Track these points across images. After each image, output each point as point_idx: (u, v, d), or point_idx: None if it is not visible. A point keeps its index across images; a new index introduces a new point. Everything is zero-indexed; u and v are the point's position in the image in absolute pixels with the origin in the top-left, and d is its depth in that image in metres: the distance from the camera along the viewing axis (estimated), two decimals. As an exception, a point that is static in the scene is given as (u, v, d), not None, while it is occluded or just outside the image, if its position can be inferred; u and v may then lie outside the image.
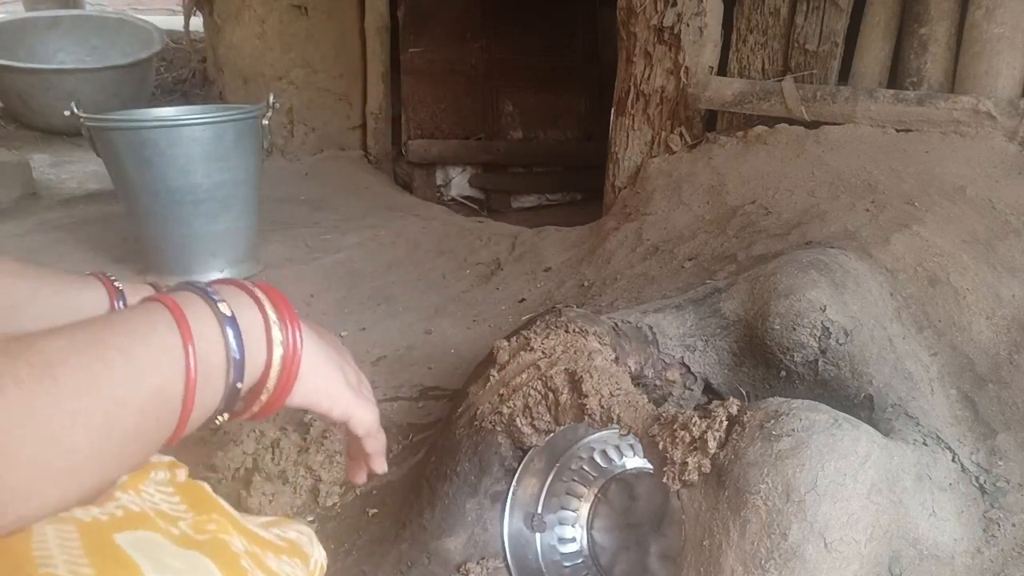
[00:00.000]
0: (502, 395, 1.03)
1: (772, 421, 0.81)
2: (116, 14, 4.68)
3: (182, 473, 0.49)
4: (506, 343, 1.06)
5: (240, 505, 1.19)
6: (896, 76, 1.83)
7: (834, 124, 1.80)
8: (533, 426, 1.02)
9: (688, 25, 2.04)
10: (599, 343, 1.03)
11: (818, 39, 1.89)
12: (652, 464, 0.88)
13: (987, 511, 0.95)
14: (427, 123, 3.65)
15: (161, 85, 4.47)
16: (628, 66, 2.23)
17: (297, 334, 0.53)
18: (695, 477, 0.82)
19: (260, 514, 1.17)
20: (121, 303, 0.75)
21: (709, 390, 1.19)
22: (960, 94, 1.67)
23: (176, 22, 4.67)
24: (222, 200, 2.02)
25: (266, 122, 2.04)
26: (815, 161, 1.75)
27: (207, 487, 0.49)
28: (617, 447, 1.10)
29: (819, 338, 1.09)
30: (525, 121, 3.81)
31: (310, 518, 1.18)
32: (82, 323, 0.44)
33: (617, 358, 1.04)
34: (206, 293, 0.50)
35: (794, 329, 1.10)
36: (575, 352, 1.00)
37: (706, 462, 0.82)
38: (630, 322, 1.13)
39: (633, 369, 1.10)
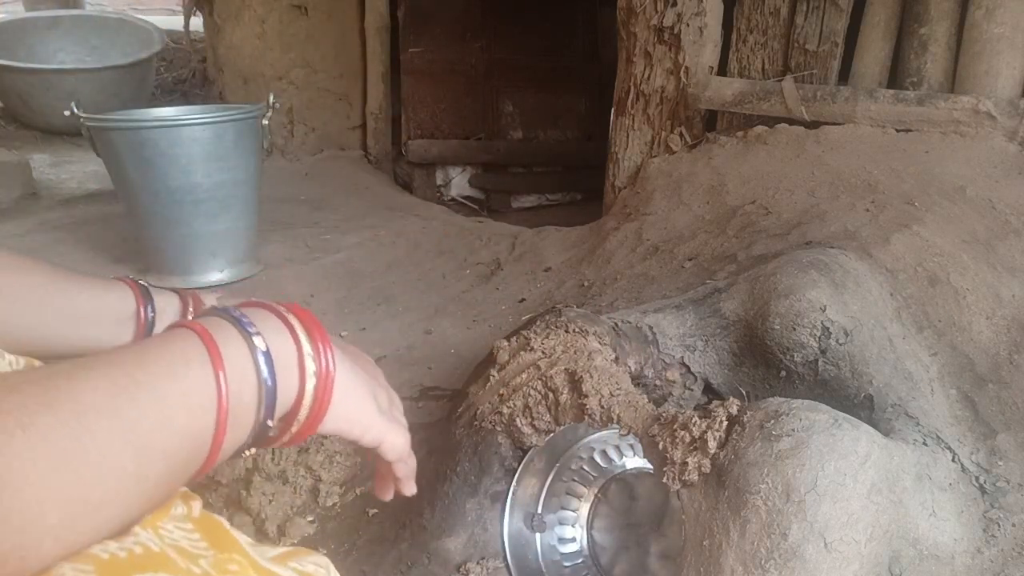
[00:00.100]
0: (502, 395, 1.03)
1: (772, 421, 0.81)
2: (116, 14, 4.68)
3: (196, 505, 0.48)
4: (506, 343, 1.06)
5: (240, 505, 1.19)
6: (896, 76, 1.83)
7: (834, 124, 1.80)
8: (533, 426, 1.02)
9: (688, 25, 2.04)
10: (599, 343, 1.03)
11: (818, 39, 1.89)
12: (652, 464, 0.88)
13: (987, 511, 0.95)
14: (427, 123, 3.65)
15: (161, 85, 4.47)
16: (628, 66, 2.23)
17: (330, 362, 0.51)
18: (695, 477, 0.82)
19: (260, 514, 1.17)
20: (149, 307, 0.76)
21: (709, 390, 1.19)
22: (960, 94, 1.67)
23: (176, 22, 4.67)
24: (222, 200, 2.02)
25: (266, 122, 2.04)
26: (815, 161, 1.75)
27: (224, 522, 0.48)
28: (617, 447, 1.10)
29: (819, 338, 1.09)
30: (525, 121, 3.81)
31: (310, 518, 1.18)
32: (117, 357, 0.42)
33: (617, 358, 1.04)
34: (240, 324, 0.48)
35: (794, 329, 1.10)
36: (575, 352, 1.00)
37: (706, 462, 0.81)
38: (630, 322, 1.13)
39: (633, 369, 1.10)
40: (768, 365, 1.14)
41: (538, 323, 1.06)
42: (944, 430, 1.03)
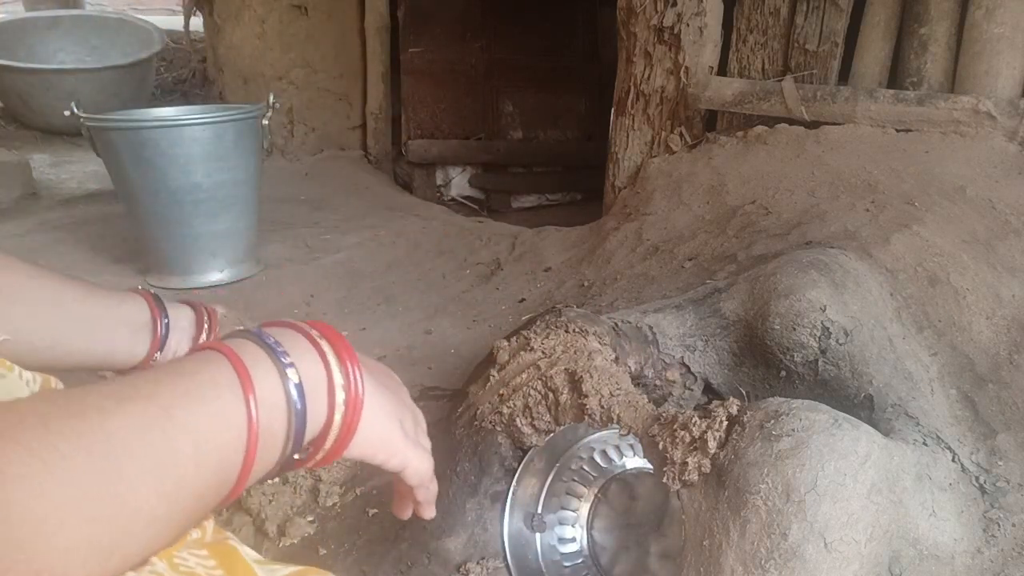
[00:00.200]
0: (502, 395, 1.03)
1: (772, 421, 0.81)
2: (116, 14, 4.68)
3: (209, 526, 0.48)
4: (506, 343, 1.06)
5: (240, 505, 1.19)
6: (896, 76, 1.83)
7: (834, 124, 1.80)
8: (533, 426, 1.02)
9: (688, 25, 2.04)
10: (599, 343, 1.03)
11: (818, 39, 1.89)
12: (652, 464, 0.88)
13: (987, 511, 0.95)
14: (427, 123, 3.66)
15: (161, 85, 4.47)
16: (628, 66, 2.23)
17: (359, 387, 0.50)
18: (695, 477, 0.82)
19: (260, 514, 1.17)
20: (164, 319, 0.76)
21: (709, 390, 1.19)
22: (960, 94, 1.67)
23: (176, 22, 4.67)
24: (222, 200, 2.02)
25: (266, 122, 2.05)
26: (815, 161, 1.75)
27: (236, 546, 0.47)
28: (617, 447, 1.10)
29: (819, 338, 1.09)
30: (525, 121, 3.81)
31: (310, 518, 1.18)
32: (149, 387, 0.41)
33: (617, 358, 1.04)
34: (275, 354, 0.47)
35: (794, 329, 1.10)
36: (575, 352, 1.00)
37: (706, 462, 0.81)
38: (630, 322, 1.13)
39: (633, 369, 1.10)
40: (768, 365, 1.14)
41: (538, 323, 1.06)
42: (944, 430, 1.03)
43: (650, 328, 1.15)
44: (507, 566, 1.04)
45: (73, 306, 0.70)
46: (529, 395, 1.00)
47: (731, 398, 0.87)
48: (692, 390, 1.18)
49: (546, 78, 3.76)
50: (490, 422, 1.04)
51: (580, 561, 1.08)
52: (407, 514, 0.68)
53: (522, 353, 1.03)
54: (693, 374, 1.17)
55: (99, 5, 6.62)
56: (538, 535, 1.07)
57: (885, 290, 1.25)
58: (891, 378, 1.07)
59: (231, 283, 2.08)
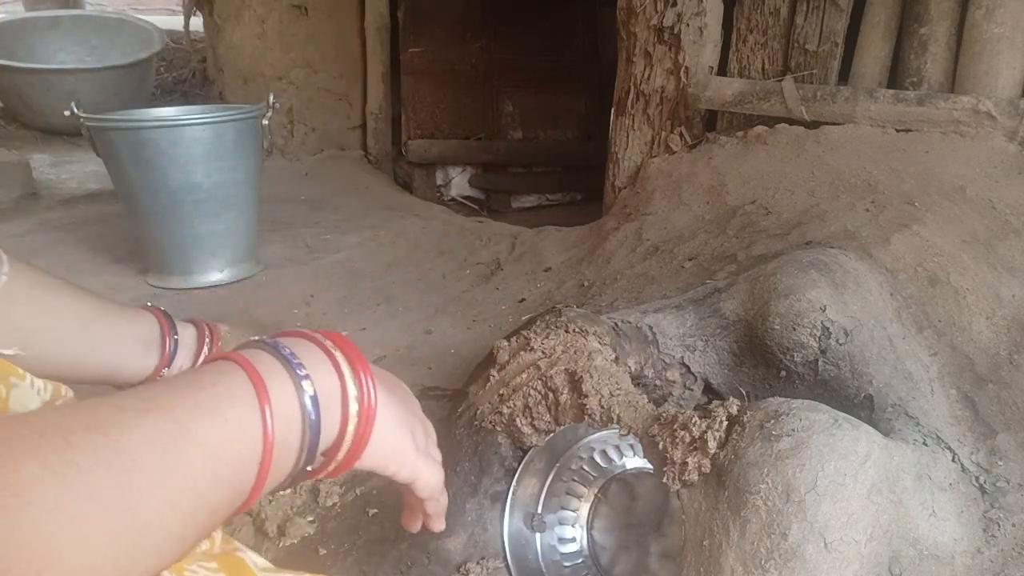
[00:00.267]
0: (502, 395, 1.03)
1: (772, 421, 0.81)
2: (116, 14, 4.68)
3: (217, 536, 0.48)
4: (506, 343, 1.06)
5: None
6: (896, 76, 1.83)
7: (834, 124, 1.80)
8: (533, 426, 1.02)
9: (688, 25, 2.04)
10: (599, 343, 1.03)
11: (818, 39, 1.89)
12: (652, 464, 0.88)
13: (987, 511, 0.95)
14: (427, 123, 3.66)
15: (161, 85, 4.47)
16: (628, 66, 2.23)
17: (372, 399, 0.50)
18: (695, 477, 0.82)
19: (260, 514, 1.17)
20: (173, 335, 0.78)
21: (709, 390, 1.19)
22: (960, 94, 1.67)
23: (176, 22, 4.68)
24: (222, 200, 2.02)
25: (266, 122, 2.05)
26: (815, 161, 1.75)
27: (245, 557, 0.47)
28: (617, 447, 1.10)
29: (819, 338, 1.09)
30: (525, 121, 3.81)
31: (310, 518, 1.18)
32: (167, 400, 0.41)
33: (617, 358, 1.04)
34: (291, 366, 0.47)
35: (794, 329, 1.10)
36: (575, 352, 1.00)
37: (706, 462, 0.81)
38: (630, 322, 1.13)
39: (633, 369, 1.10)
40: (768, 365, 1.14)
41: (538, 323, 1.06)
42: (944, 430, 1.03)
43: (650, 328, 1.15)
44: (507, 566, 1.04)
45: (91, 322, 0.71)
46: (529, 395, 1.00)
47: (731, 398, 0.87)
48: (692, 390, 1.18)
49: (546, 78, 3.76)
50: (490, 422, 1.04)
51: (580, 561, 1.08)
52: (416, 527, 0.67)
53: (522, 353, 1.03)
54: (693, 374, 1.17)
55: (99, 5, 6.62)
56: (538, 535, 1.07)
57: (885, 290, 1.25)
58: (891, 378, 1.07)
59: (231, 283, 2.08)
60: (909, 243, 1.34)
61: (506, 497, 1.06)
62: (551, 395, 0.99)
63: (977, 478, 0.99)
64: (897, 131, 1.73)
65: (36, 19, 4.30)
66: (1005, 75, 1.65)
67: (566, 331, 1.02)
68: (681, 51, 2.07)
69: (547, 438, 1.04)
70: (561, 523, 1.08)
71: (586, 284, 1.85)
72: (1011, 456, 1.03)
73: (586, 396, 0.94)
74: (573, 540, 1.08)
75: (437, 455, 0.62)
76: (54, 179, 3.22)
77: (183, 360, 0.80)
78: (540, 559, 1.06)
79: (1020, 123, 1.58)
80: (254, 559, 0.47)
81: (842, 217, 1.49)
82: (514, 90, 3.75)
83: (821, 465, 0.77)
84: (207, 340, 0.82)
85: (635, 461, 1.09)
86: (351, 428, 0.49)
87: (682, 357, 1.16)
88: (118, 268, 2.19)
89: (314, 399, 0.46)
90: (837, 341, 1.09)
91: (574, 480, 1.10)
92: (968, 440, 1.05)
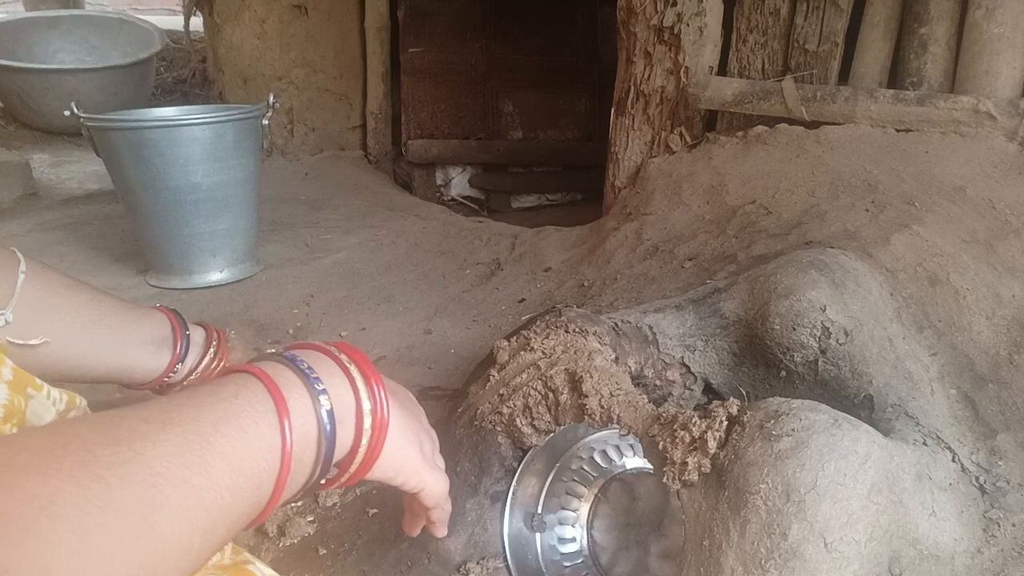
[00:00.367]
0: (502, 395, 1.03)
1: (772, 421, 0.81)
2: (116, 14, 4.68)
3: (227, 547, 0.48)
4: (506, 343, 1.06)
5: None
6: (896, 76, 1.83)
7: (834, 124, 1.80)
8: (533, 426, 1.02)
9: (688, 25, 2.04)
10: (599, 343, 1.03)
11: (818, 39, 1.89)
12: (652, 464, 0.88)
13: (987, 511, 0.95)
14: (427, 123, 3.66)
15: (161, 85, 4.47)
16: (628, 66, 2.23)
17: (386, 412, 0.51)
18: (695, 477, 0.82)
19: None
20: (185, 336, 0.79)
21: (709, 390, 1.19)
22: (960, 94, 1.67)
23: (176, 22, 4.68)
24: (222, 200, 2.02)
25: (266, 122, 2.05)
26: (815, 161, 1.75)
27: (254, 570, 0.47)
28: (617, 447, 1.10)
29: (819, 338, 1.09)
30: (525, 121, 3.81)
31: (310, 518, 1.18)
32: (189, 413, 0.41)
33: (617, 358, 1.04)
34: (310, 381, 0.47)
35: (794, 329, 1.10)
36: (575, 352, 1.00)
37: (706, 462, 0.81)
38: (630, 322, 1.13)
39: (633, 369, 1.10)
40: (768, 365, 1.14)
41: (538, 323, 1.06)
42: (944, 430, 1.03)
43: (650, 328, 1.15)
44: (507, 566, 1.04)
45: (104, 320, 0.71)
46: (529, 395, 1.00)
47: (731, 398, 0.87)
48: (692, 390, 1.18)
49: (546, 78, 3.77)
50: (490, 422, 1.04)
51: (580, 561, 1.08)
52: (417, 531, 0.68)
53: (522, 353, 1.03)
54: (693, 374, 1.17)
55: (99, 5, 6.62)
56: (538, 535, 1.07)
57: (885, 290, 1.25)
58: (891, 378, 1.07)
59: (231, 283, 2.08)
60: (909, 243, 1.34)
61: (506, 497, 1.06)
62: (551, 395, 0.99)
63: (977, 478, 0.99)
64: (897, 131, 1.73)
65: (36, 19, 4.30)
66: (1005, 75, 1.65)
67: (566, 331, 1.02)
68: (681, 51, 2.07)
69: (547, 438, 1.04)
70: (561, 523, 1.08)
71: (586, 284, 1.85)
72: (1011, 456, 1.03)
73: (586, 396, 0.94)
74: (573, 540, 1.08)
75: (442, 464, 0.63)
76: (54, 179, 3.22)
77: (192, 360, 0.81)
78: (540, 559, 1.06)
79: (1020, 123, 1.58)
80: (263, 570, 0.47)
81: (842, 217, 1.49)
82: (514, 90, 3.75)
83: (821, 465, 0.77)
84: (214, 342, 0.83)
85: (635, 461, 1.09)
86: (365, 441, 0.50)
87: (682, 357, 1.16)
88: (118, 268, 2.19)
89: (330, 413, 0.47)
90: (837, 341, 1.09)
91: (574, 480, 1.10)
92: (968, 440, 1.05)
